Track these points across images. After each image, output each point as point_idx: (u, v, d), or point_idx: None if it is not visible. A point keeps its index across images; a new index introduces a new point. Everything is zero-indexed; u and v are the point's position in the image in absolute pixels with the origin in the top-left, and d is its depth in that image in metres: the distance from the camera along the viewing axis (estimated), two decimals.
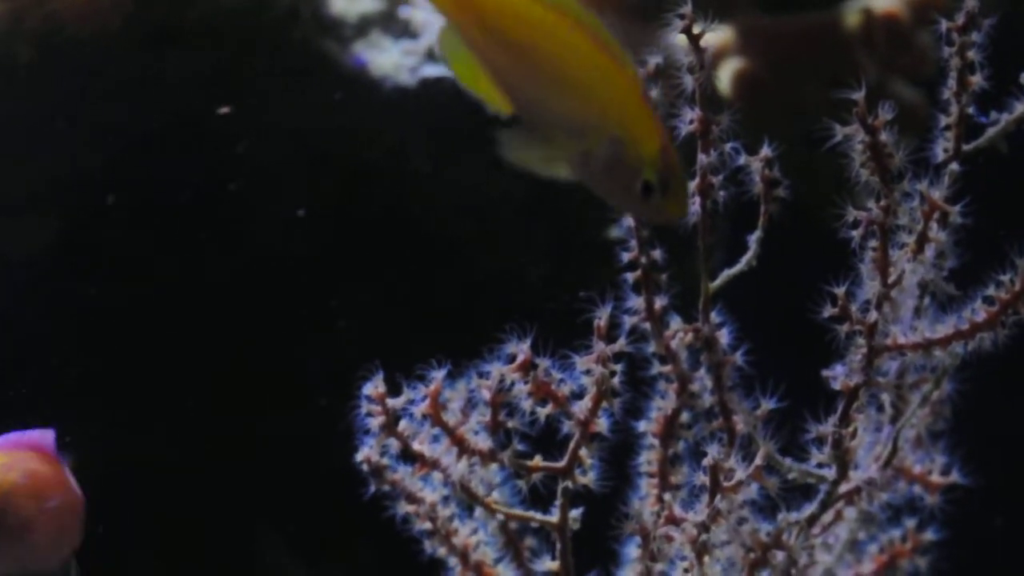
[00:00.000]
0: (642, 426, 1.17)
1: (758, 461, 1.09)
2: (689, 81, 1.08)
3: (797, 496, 1.12)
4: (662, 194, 1.02)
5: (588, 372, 1.08)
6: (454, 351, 1.11)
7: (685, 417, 1.16)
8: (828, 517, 1.22)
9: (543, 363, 1.08)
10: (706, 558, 1.10)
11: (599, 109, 1.04)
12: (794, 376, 1.08)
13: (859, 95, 1.06)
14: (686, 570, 1.11)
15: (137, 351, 1.74)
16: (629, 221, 1.13)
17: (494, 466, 1.12)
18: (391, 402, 1.11)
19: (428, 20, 1.81)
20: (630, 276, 1.14)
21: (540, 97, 1.05)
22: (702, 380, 1.15)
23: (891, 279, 1.08)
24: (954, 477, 1.26)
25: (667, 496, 1.15)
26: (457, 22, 1.06)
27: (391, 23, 1.81)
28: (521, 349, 1.08)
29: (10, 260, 1.71)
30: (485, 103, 1.09)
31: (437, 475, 1.14)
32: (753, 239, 1.12)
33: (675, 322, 1.14)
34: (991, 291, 1.07)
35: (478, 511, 1.20)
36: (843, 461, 1.11)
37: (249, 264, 1.76)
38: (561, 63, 1.04)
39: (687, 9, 1.06)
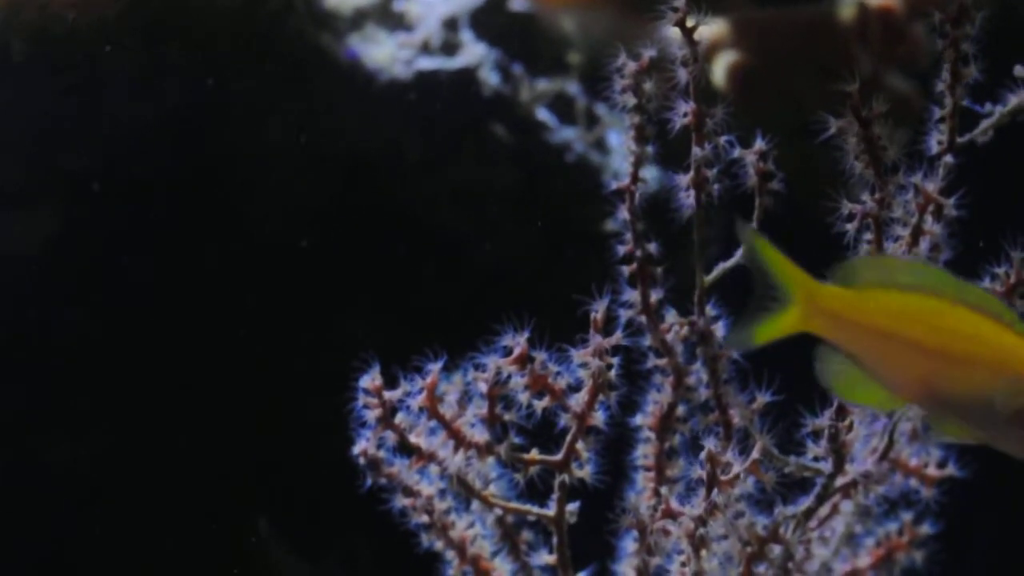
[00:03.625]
0: (638, 420, 1.17)
1: (754, 455, 1.09)
2: (683, 74, 1.08)
3: (794, 490, 1.12)
4: None
5: (585, 365, 1.08)
6: (450, 344, 1.11)
7: (681, 411, 1.16)
8: (824, 511, 1.22)
9: (540, 356, 1.08)
10: (703, 552, 1.10)
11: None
12: (790, 369, 1.08)
13: (853, 87, 1.06)
14: (683, 564, 1.11)
15: (135, 347, 1.74)
16: (624, 214, 1.12)
17: (491, 459, 1.11)
18: (388, 394, 1.11)
19: (422, 13, 1.81)
20: (626, 269, 1.13)
21: (954, 377, 1.00)
22: (698, 374, 1.15)
23: None
24: (950, 470, 1.26)
25: (664, 490, 1.15)
26: (850, 348, 1.02)
27: (386, 16, 1.81)
28: (517, 342, 1.08)
29: (6, 254, 1.71)
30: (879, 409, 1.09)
31: (434, 468, 1.14)
32: None
33: (670, 315, 1.14)
34: (986, 284, 1.07)
35: (475, 504, 1.20)
36: (839, 454, 1.12)
37: (244, 257, 1.76)
38: (970, 337, 0.99)
39: (680, 2, 1.06)
